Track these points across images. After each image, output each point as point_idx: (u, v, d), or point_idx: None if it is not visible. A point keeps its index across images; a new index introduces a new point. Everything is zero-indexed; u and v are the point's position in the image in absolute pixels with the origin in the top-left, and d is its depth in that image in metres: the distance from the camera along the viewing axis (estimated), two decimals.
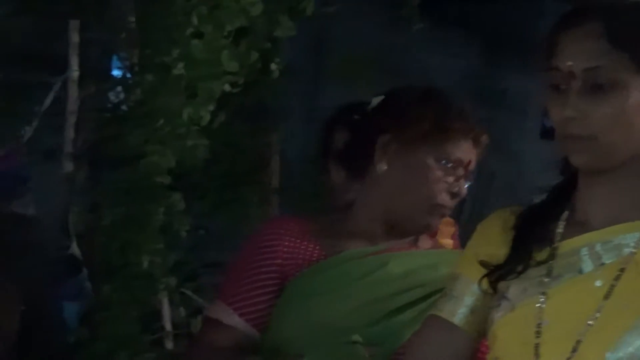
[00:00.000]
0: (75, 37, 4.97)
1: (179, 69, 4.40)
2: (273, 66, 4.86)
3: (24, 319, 4.30)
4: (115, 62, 5.92)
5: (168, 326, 4.97)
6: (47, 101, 5.21)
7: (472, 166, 2.54)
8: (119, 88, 5.52)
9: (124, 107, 5.17)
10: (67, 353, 4.52)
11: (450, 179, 2.45)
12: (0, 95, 5.96)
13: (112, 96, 5.64)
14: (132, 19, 5.28)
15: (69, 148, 4.95)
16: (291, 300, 2.37)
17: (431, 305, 2.12)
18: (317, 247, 2.47)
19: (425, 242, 2.52)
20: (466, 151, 2.49)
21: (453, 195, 2.48)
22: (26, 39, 5.97)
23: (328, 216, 2.59)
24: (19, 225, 3.89)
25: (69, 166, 4.94)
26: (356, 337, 2.25)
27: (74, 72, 4.95)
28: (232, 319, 2.44)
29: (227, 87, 4.49)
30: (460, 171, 2.50)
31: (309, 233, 2.50)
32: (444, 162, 2.46)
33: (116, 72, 6.00)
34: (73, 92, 4.96)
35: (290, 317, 2.35)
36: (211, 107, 4.52)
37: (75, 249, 4.89)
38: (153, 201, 4.49)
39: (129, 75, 5.34)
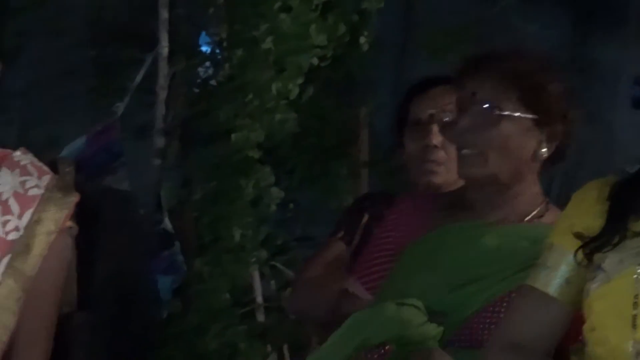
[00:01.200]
0: (164, 14, 5.01)
1: (268, 43, 4.42)
2: (362, 39, 4.84)
3: (122, 293, 4.37)
4: (204, 37, 5.97)
5: (259, 299, 5.02)
6: (138, 78, 5.27)
7: None
8: (208, 63, 5.57)
9: (213, 83, 5.21)
10: (161, 325, 4.58)
11: None
12: (94, 73, 6.06)
13: (201, 72, 5.69)
14: None
15: (160, 124, 4.99)
16: (394, 271, 2.39)
17: (514, 279, 2.11)
18: (426, 221, 2.46)
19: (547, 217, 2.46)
20: None
21: None
22: (117, 16, 6.04)
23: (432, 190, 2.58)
24: (114, 200, 3.94)
25: (160, 142, 4.99)
26: (414, 301, 2.24)
27: (164, 49, 4.99)
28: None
29: (315, 61, 4.50)
30: None
31: (421, 207, 2.49)
32: None
33: (205, 48, 6.05)
34: (163, 69, 5.00)
35: (387, 287, 2.36)
36: (300, 81, 4.54)
37: (167, 224, 4.95)
38: (243, 175, 4.53)
39: (217, 50, 5.39)
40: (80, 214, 2.75)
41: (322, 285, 2.52)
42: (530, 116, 2.24)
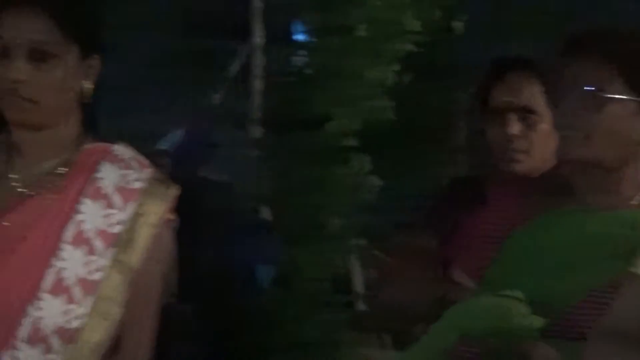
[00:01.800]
0: (258, 3, 5.01)
1: (362, 30, 4.39)
2: (456, 23, 4.77)
3: (221, 283, 4.40)
4: (297, 26, 5.96)
5: (359, 287, 4.99)
6: (233, 68, 5.28)
7: None
8: (302, 52, 5.55)
9: (307, 71, 5.19)
10: (261, 314, 4.59)
11: None
12: (189, 63, 6.09)
13: (295, 60, 5.68)
14: None
15: (255, 113, 5.00)
16: (497, 259, 2.36)
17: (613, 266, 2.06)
18: (523, 207, 2.43)
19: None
20: None
21: None
22: (211, 7, 6.07)
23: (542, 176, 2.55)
24: (211, 190, 3.97)
25: (255, 131, 5.00)
26: (515, 293, 2.20)
27: (258, 39, 4.99)
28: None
29: (410, 47, 4.45)
30: None
31: (514, 192, 2.47)
32: None
33: (299, 37, 6.03)
34: (258, 58, 5.00)
35: (491, 276, 2.33)
36: (395, 68, 4.50)
37: (264, 213, 4.96)
38: (340, 163, 4.50)
39: (311, 39, 5.37)
40: (180, 206, 2.77)
41: (413, 277, 2.50)
42: (636, 99, 2.18)
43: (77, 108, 1.92)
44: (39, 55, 1.86)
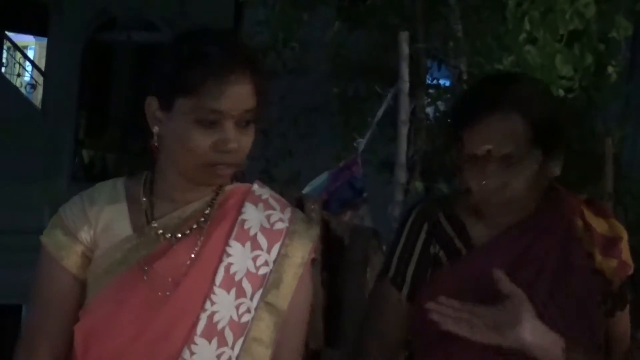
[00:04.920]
0: (405, 49, 5.00)
1: None
2: (610, 69, 4.67)
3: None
4: (443, 71, 5.95)
5: None
6: (380, 112, 5.28)
7: None
8: (449, 97, 5.53)
9: None
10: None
11: None
12: (337, 109, 6.13)
13: (441, 105, 5.66)
14: (459, 27, 5.27)
15: (402, 158, 4.97)
16: None
17: None
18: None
19: None
20: None
21: None
22: (359, 53, 6.10)
23: None
24: (359, 238, 3.96)
25: (402, 176, 4.97)
26: None
27: (405, 84, 4.98)
28: None
29: (561, 92, 4.37)
30: None
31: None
32: None
33: (444, 81, 6.01)
34: (404, 103, 4.98)
35: None
36: None
37: None
38: None
39: (457, 83, 5.34)
40: (326, 252, 2.75)
41: None
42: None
43: None
44: (243, 123, 1.88)
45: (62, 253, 1.92)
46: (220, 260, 1.89)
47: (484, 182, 2.12)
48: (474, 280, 2.11)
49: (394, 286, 2.24)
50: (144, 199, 1.94)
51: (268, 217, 1.94)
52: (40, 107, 12.16)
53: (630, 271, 2.21)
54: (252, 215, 1.93)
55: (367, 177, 5.07)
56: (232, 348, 1.87)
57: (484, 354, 2.08)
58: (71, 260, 1.93)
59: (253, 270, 1.91)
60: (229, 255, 1.90)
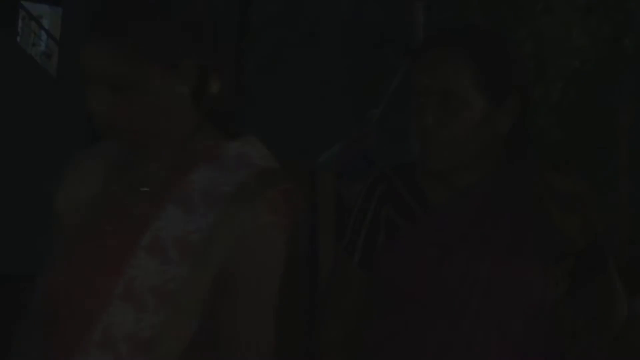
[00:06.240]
0: (419, 18, 4.96)
1: (528, 46, 4.31)
2: (626, 40, 4.63)
3: None
4: None
5: None
6: (394, 82, 5.24)
7: None
8: None
9: None
10: None
11: None
12: (350, 80, 6.10)
13: None
14: None
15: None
16: None
17: None
18: None
19: None
20: None
21: None
22: (372, 23, 6.07)
23: None
24: None
25: (416, 146, 4.93)
26: None
27: None
28: None
29: (577, 64, 4.34)
30: None
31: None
32: None
33: None
34: None
35: None
36: (560, 85, 4.40)
37: None
38: None
39: None
40: (340, 223, 2.74)
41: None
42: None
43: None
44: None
45: None
46: (148, 225, 1.81)
47: (422, 119, 2.05)
48: (431, 241, 2.09)
49: (347, 253, 2.18)
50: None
51: (215, 179, 1.85)
52: (55, 76, 12.15)
53: (598, 233, 2.07)
54: (200, 178, 1.82)
55: (381, 146, 5.04)
56: (156, 314, 1.81)
57: (440, 316, 2.05)
58: None
59: (183, 235, 1.82)
60: (159, 219, 1.81)
